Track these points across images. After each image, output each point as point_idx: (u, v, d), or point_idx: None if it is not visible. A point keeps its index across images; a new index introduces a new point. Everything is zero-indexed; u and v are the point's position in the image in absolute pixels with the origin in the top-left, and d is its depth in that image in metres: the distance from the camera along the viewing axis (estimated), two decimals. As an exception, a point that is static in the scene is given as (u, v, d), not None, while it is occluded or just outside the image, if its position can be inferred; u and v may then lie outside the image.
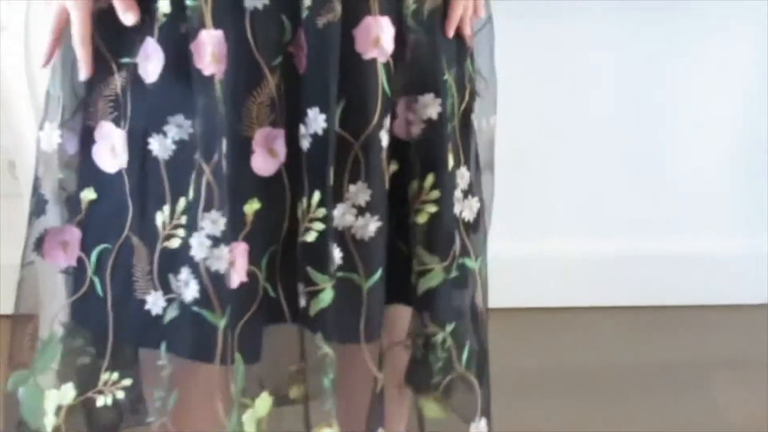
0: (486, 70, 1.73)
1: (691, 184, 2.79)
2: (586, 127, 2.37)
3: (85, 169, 1.56)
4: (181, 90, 1.50)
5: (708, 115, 2.74)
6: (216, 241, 1.49)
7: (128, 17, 1.49)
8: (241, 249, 1.49)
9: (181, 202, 1.52)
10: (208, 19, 1.49)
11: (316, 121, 1.52)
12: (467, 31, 1.62)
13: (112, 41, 1.54)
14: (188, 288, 1.49)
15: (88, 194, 1.56)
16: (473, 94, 1.66)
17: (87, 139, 1.56)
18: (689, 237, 2.81)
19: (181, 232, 1.52)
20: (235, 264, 1.51)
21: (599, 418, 2.33)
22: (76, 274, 1.56)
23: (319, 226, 1.53)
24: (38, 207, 1.62)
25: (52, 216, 1.60)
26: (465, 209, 1.67)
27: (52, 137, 1.59)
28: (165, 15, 1.49)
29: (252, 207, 1.53)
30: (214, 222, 1.51)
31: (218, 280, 1.50)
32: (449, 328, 1.65)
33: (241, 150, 1.49)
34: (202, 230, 1.50)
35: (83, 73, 1.53)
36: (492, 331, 1.78)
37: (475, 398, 1.70)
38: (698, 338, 2.78)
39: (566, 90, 2.62)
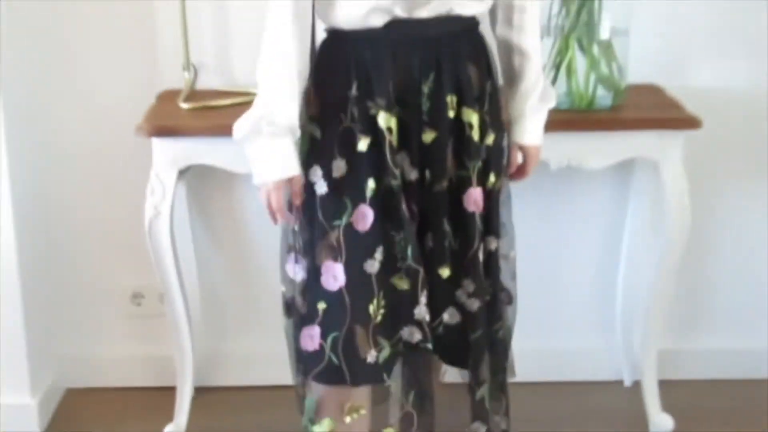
0: (507, 219, 2.16)
1: (563, 295, 2.99)
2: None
3: (316, 290, 1.93)
4: (383, 230, 1.92)
5: (577, 252, 2.99)
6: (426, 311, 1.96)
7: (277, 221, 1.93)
8: None
9: (382, 294, 1.92)
10: (400, 192, 1.91)
11: (430, 240, 1.98)
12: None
13: (327, 214, 1.93)
14: (413, 336, 1.96)
15: (321, 305, 1.92)
16: (499, 236, 2.09)
17: (316, 273, 1.94)
18: (564, 333, 3.01)
19: (382, 311, 1.93)
20: None
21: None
22: (318, 355, 1.94)
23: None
24: (297, 314, 2.03)
25: (306, 318, 1.98)
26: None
27: (298, 273, 2.00)
28: (372, 189, 1.90)
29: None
30: (425, 296, 1.97)
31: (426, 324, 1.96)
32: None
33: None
34: (423, 302, 1.95)
35: (292, 222, 1.94)
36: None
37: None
38: (568, 402, 2.91)
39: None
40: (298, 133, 1.92)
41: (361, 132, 1.87)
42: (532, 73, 2.05)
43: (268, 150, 1.88)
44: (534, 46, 2.05)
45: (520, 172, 2.12)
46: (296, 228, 1.98)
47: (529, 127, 2.07)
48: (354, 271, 1.90)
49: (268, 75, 1.88)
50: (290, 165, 1.88)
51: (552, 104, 2.14)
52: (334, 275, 1.90)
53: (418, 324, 1.94)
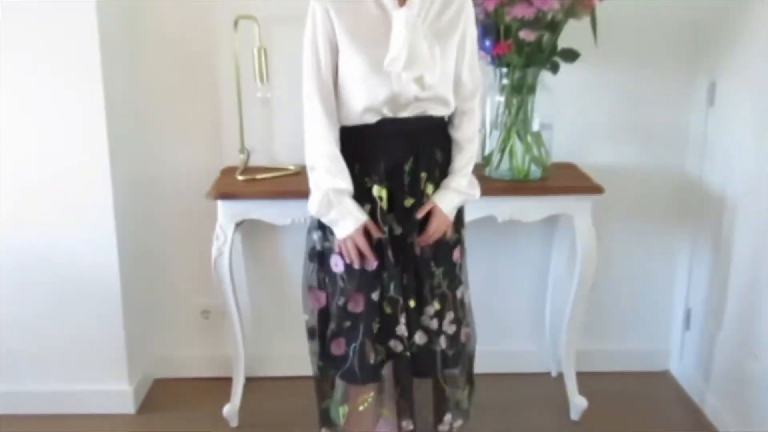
0: (465, 272, 2.23)
1: (507, 311, 3.13)
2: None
3: (342, 312, 2.10)
4: (374, 273, 2.06)
5: (517, 280, 3.12)
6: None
7: (371, 266, 2.04)
8: None
9: (378, 315, 2.06)
10: (387, 243, 2.05)
11: (404, 278, 2.08)
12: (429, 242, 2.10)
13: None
14: (397, 347, 2.08)
15: (346, 323, 2.09)
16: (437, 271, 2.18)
17: (345, 300, 2.09)
18: (507, 338, 3.17)
19: (377, 326, 2.06)
20: None
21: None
22: (343, 359, 2.11)
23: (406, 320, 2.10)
24: (323, 331, 2.17)
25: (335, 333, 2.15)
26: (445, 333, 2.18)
27: (321, 299, 2.16)
28: (374, 242, 2.05)
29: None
30: (404, 317, 2.07)
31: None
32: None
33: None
34: (402, 322, 2.06)
35: (370, 265, 2.02)
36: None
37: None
38: (509, 388, 3.06)
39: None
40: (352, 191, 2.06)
41: (359, 201, 2.03)
42: (462, 159, 2.15)
43: (340, 211, 1.99)
44: (467, 139, 2.14)
45: (423, 230, 2.12)
46: (343, 273, 2.10)
47: (447, 197, 2.12)
48: (367, 299, 2.06)
49: (318, 159, 2.00)
50: (359, 215, 2.02)
51: (476, 195, 2.21)
52: (356, 302, 2.08)
53: (400, 338, 2.11)
